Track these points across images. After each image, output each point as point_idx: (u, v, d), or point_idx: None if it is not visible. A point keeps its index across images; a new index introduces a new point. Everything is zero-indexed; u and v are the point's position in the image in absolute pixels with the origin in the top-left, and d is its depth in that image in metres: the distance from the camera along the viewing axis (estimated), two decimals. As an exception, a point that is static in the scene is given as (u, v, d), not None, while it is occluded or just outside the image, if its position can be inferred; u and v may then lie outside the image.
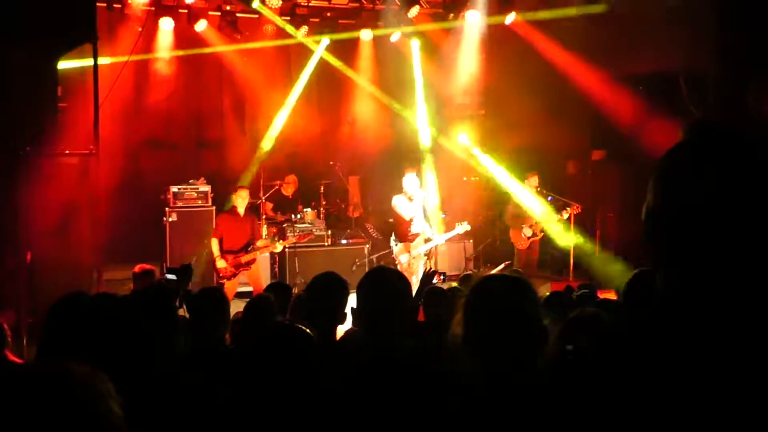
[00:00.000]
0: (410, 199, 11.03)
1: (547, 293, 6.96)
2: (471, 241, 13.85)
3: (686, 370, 1.53)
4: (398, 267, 10.79)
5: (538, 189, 12.49)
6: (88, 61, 9.83)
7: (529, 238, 12.35)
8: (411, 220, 11.05)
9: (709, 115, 10.39)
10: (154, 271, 8.10)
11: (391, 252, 11.71)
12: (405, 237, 11.08)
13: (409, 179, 11.08)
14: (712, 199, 1.54)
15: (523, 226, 12.35)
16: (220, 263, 10.65)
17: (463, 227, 11.27)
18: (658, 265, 1.64)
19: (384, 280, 3.49)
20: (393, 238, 11.27)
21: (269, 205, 13.80)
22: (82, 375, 1.72)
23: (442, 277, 9.26)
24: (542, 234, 12.47)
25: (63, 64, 10.25)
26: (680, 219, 1.57)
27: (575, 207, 12.17)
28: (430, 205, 12.00)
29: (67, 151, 9.85)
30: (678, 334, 1.57)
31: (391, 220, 11.98)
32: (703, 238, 1.55)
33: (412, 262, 10.92)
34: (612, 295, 6.42)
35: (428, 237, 11.12)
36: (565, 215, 12.19)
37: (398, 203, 11.08)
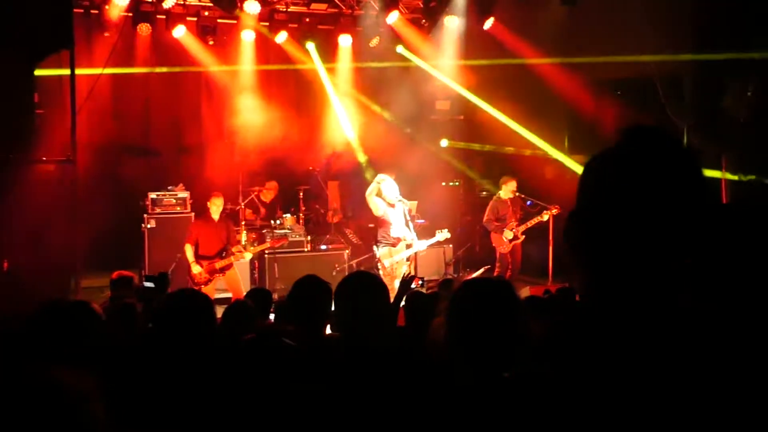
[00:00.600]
0: (391, 205, 10.99)
1: (526, 297, 6.99)
2: (450, 246, 13.87)
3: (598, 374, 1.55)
4: (380, 271, 10.77)
5: (516, 193, 12.53)
6: (65, 71, 9.79)
7: (510, 241, 12.37)
8: (391, 224, 11.02)
9: (671, 122, 10.50)
10: (132, 277, 8.04)
11: (371, 257, 11.71)
12: (388, 241, 11.05)
13: (388, 185, 11.03)
14: (633, 202, 1.55)
15: (505, 229, 12.37)
16: (195, 269, 10.63)
17: (444, 234, 11.28)
18: (576, 266, 1.66)
19: (362, 285, 3.49)
20: (376, 242, 11.24)
21: (248, 211, 13.77)
22: (63, 378, 1.72)
23: (420, 282, 9.28)
24: (524, 237, 12.51)
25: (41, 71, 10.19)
26: (599, 221, 1.59)
27: (554, 208, 12.23)
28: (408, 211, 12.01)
29: (45, 158, 9.80)
30: (589, 336, 1.59)
31: (371, 225, 11.98)
32: (619, 242, 1.57)
33: (395, 266, 10.91)
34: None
35: (409, 243, 11.11)
36: (546, 216, 12.24)
37: (381, 206, 11.05)
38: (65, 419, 1.67)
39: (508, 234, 12.34)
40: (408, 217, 11.46)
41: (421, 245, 11.22)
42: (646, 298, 1.55)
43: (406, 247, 11.11)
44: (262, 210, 14.03)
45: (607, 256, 1.59)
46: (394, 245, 11.00)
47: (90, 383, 1.77)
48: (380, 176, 11.06)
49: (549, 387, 1.62)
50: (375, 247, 11.13)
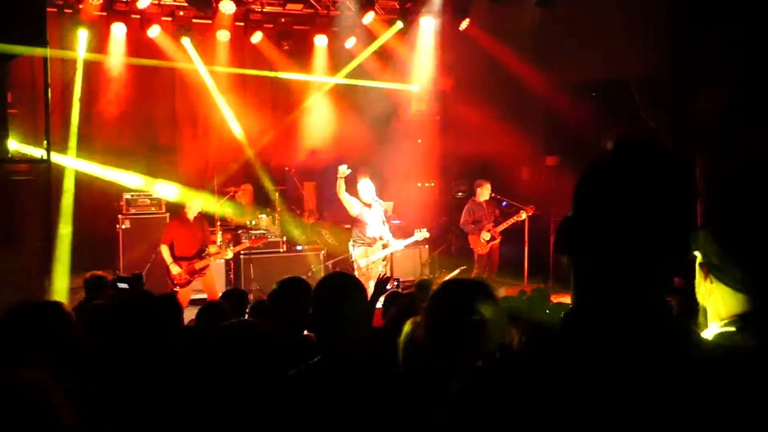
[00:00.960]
0: (367, 205, 10.99)
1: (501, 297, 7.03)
2: (426, 246, 13.88)
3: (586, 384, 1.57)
4: (356, 271, 10.77)
5: (492, 195, 12.62)
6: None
7: (488, 242, 12.48)
8: (367, 224, 11.03)
9: (646, 125, 10.56)
10: (105, 278, 8.00)
11: (347, 258, 11.71)
12: (364, 241, 11.05)
13: (364, 185, 11.03)
14: (625, 213, 1.58)
15: (482, 231, 12.47)
16: (175, 269, 10.58)
17: (422, 234, 11.33)
18: (570, 272, 1.68)
19: (339, 286, 3.48)
20: (351, 242, 11.23)
21: (227, 212, 13.72)
22: (29, 380, 1.71)
23: (396, 283, 9.29)
24: (501, 238, 12.62)
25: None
26: (591, 231, 1.61)
27: (530, 209, 12.39)
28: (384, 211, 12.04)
29: (18, 158, 9.71)
30: (578, 345, 1.61)
31: (347, 226, 11.96)
32: (611, 251, 1.59)
33: (371, 267, 10.91)
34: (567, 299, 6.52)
35: (386, 243, 11.12)
36: (522, 215, 12.41)
37: (356, 206, 11.04)
38: (27, 417, 1.66)
39: (486, 235, 12.44)
40: (384, 218, 11.50)
41: (398, 245, 11.24)
42: (637, 305, 1.57)
43: (383, 247, 11.12)
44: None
45: (600, 265, 1.60)
46: (370, 245, 11.01)
47: (51, 383, 1.77)
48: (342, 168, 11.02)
49: (530, 380, 1.63)
50: (351, 247, 11.13)
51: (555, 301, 7.04)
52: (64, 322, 3.56)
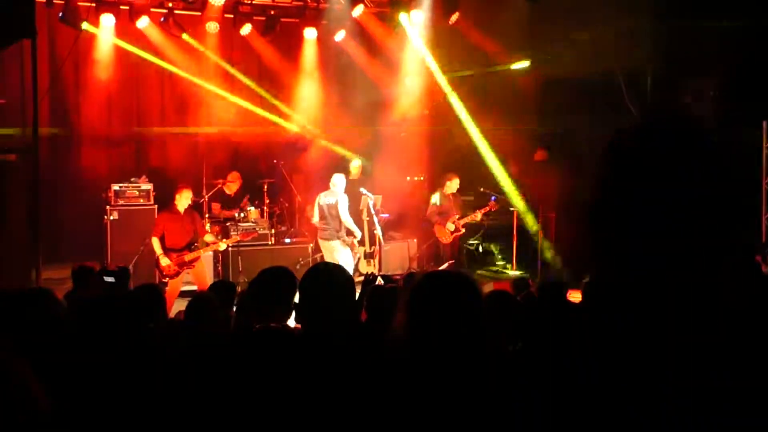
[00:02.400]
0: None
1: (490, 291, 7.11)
2: (414, 240, 13.91)
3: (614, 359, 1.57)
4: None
5: (482, 190, 12.81)
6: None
7: (452, 233, 12.97)
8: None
9: (652, 110, 10.57)
10: (93, 269, 7.99)
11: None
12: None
13: (338, 179, 11.37)
14: (658, 187, 1.55)
15: (447, 222, 12.91)
16: (164, 261, 10.57)
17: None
18: (595, 251, 1.66)
19: (327, 277, 3.48)
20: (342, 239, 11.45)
21: (216, 205, 13.69)
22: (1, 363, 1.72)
23: (382, 281, 9.40)
24: (464, 229, 13.13)
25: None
26: (623, 208, 1.59)
27: (491, 205, 12.97)
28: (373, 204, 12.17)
29: (5, 148, 9.69)
30: (610, 320, 1.60)
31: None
32: (643, 228, 1.57)
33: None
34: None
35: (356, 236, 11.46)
36: (479, 215, 13.00)
37: (344, 202, 11.21)
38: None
39: (450, 226, 12.95)
40: (373, 211, 11.60)
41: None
42: (674, 287, 1.56)
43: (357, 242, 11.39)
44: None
45: (628, 241, 1.58)
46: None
47: (25, 366, 1.77)
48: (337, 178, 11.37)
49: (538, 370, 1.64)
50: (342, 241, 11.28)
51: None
52: (54, 309, 3.56)
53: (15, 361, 1.76)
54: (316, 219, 12.11)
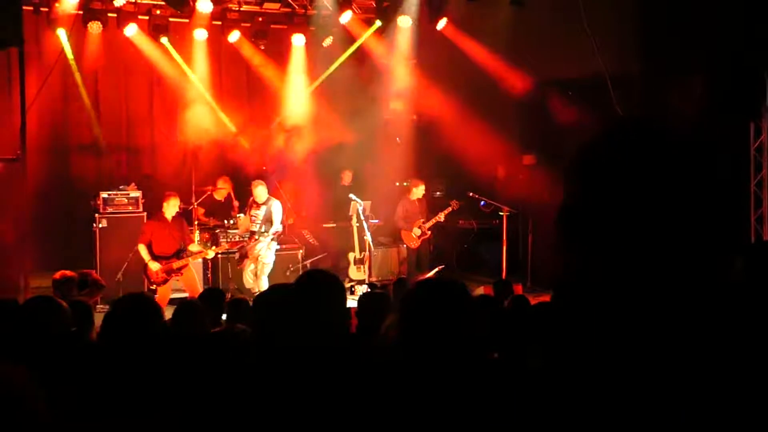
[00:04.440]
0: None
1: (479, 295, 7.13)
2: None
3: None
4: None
5: (470, 194, 12.89)
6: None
7: (419, 237, 13.22)
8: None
9: (633, 114, 10.61)
10: (74, 277, 7.95)
11: (326, 258, 11.86)
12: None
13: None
14: (628, 192, 1.57)
15: (413, 227, 13.18)
16: (154, 265, 10.54)
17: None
18: (566, 254, 1.68)
19: (318, 283, 3.47)
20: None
21: (200, 211, 13.64)
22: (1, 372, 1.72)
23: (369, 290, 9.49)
24: (430, 233, 13.40)
25: None
26: (595, 211, 1.61)
27: (453, 204, 13.27)
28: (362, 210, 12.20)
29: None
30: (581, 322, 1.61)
31: (330, 225, 12.10)
32: (615, 231, 1.59)
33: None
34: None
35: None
36: (442, 216, 13.25)
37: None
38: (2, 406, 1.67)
39: (416, 231, 13.21)
40: (363, 216, 11.65)
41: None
42: (639, 284, 1.58)
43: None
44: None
45: (602, 244, 1.61)
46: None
47: (25, 375, 1.77)
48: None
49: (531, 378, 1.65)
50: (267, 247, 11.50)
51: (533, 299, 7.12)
52: (61, 317, 3.56)
53: (16, 372, 1.76)
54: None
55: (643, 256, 1.56)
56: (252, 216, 11.95)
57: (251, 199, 12.07)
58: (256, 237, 11.61)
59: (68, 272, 8.01)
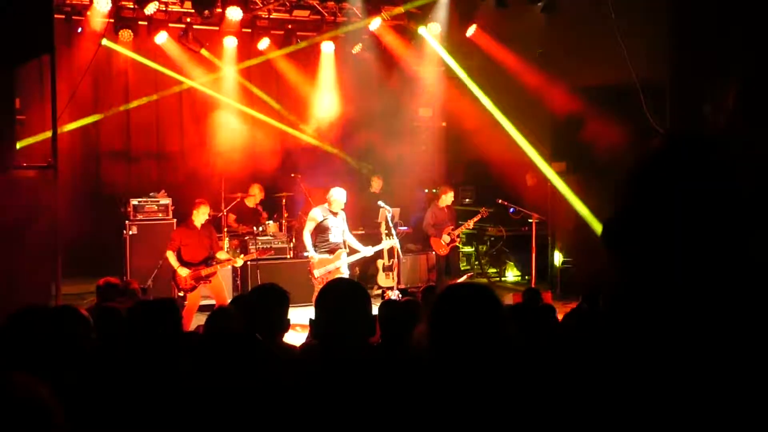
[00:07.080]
0: (334, 214, 11.10)
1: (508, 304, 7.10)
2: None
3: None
4: (313, 279, 10.89)
5: (499, 201, 12.86)
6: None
7: (448, 244, 13.17)
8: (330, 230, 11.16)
9: (677, 125, 10.53)
10: (118, 284, 8.01)
11: (355, 263, 11.80)
12: (325, 248, 11.13)
13: (339, 192, 11.20)
14: (682, 206, 1.57)
15: (443, 234, 13.16)
16: (183, 271, 10.52)
17: (390, 242, 11.74)
18: (618, 268, 1.67)
19: (345, 292, 3.45)
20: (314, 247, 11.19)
21: (232, 217, 13.70)
22: (20, 384, 1.71)
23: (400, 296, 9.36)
24: (459, 240, 13.52)
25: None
26: (647, 224, 1.61)
27: (483, 211, 13.40)
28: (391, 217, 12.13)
29: (25, 164, 9.72)
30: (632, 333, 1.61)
31: (360, 231, 12.07)
32: (668, 244, 1.58)
33: (326, 277, 10.81)
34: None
35: (355, 249, 11.22)
36: (471, 224, 13.42)
37: (318, 215, 11.19)
38: (16, 420, 1.66)
39: (446, 238, 13.18)
40: (391, 223, 11.62)
41: (368, 251, 11.30)
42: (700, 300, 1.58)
43: (348, 254, 11.18)
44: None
45: (662, 259, 1.60)
46: (331, 252, 11.03)
47: (44, 386, 1.76)
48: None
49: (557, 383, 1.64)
50: (312, 253, 11.08)
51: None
52: (81, 326, 3.56)
53: (34, 383, 1.75)
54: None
55: (698, 270, 1.56)
56: (331, 227, 11.13)
57: (306, 206, 11.66)
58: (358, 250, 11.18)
59: (112, 279, 8.08)
